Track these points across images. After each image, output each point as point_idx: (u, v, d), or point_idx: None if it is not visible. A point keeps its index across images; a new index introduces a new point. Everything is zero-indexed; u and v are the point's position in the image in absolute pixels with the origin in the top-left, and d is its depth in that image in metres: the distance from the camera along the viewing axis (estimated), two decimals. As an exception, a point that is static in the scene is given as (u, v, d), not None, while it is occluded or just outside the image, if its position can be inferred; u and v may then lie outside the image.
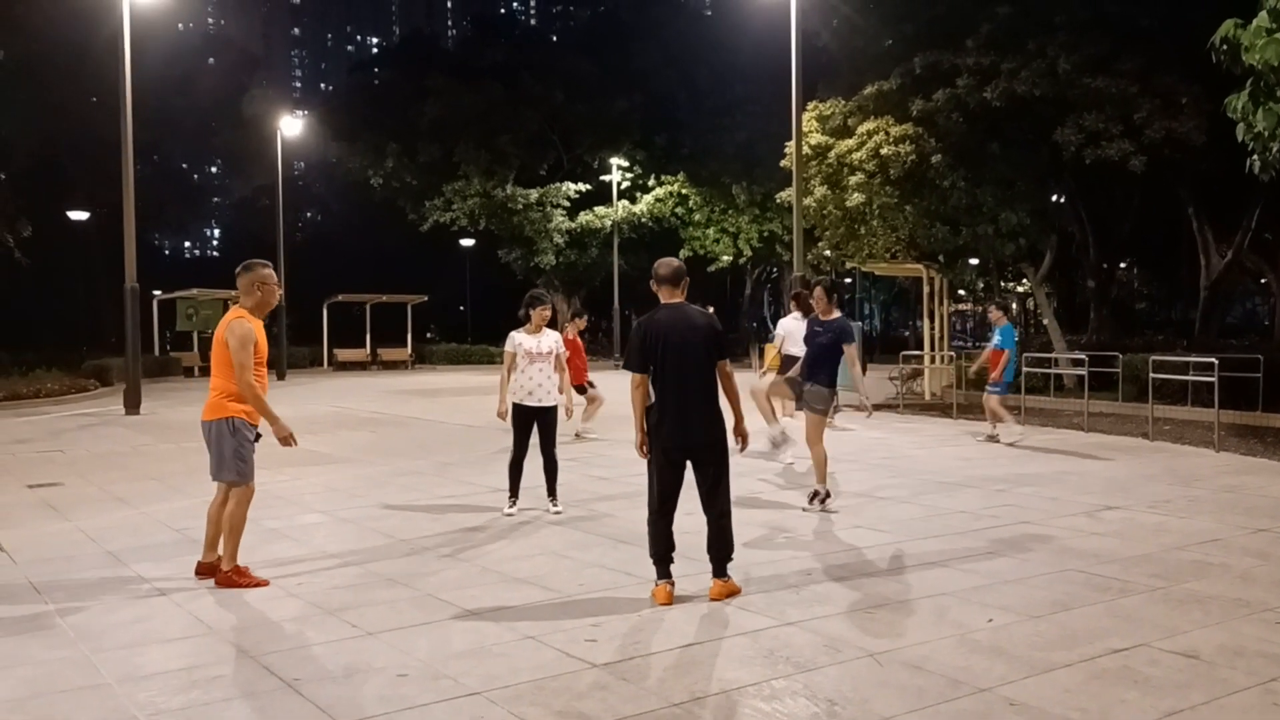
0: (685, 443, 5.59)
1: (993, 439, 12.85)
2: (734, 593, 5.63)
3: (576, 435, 13.38)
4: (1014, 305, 45.67)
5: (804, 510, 8.17)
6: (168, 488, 9.93)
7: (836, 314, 8.39)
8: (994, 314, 13.46)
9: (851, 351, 8.21)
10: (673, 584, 5.59)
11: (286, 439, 5.99)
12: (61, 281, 45.50)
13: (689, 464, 5.67)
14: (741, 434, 5.81)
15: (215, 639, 5.00)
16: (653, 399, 5.61)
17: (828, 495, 8.22)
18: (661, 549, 5.62)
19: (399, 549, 7.00)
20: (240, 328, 5.84)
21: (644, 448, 5.66)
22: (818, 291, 8.48)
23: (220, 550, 6.05)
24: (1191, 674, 4.38)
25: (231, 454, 5.90)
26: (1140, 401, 15.19)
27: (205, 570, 6.13)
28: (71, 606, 5.62)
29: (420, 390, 25.39)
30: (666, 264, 5.83)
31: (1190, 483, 9.57)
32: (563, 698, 4.17)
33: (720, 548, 5.67)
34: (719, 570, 5.68)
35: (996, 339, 12.85)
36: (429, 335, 40.62)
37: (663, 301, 5.76)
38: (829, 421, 15.68)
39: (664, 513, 5.62)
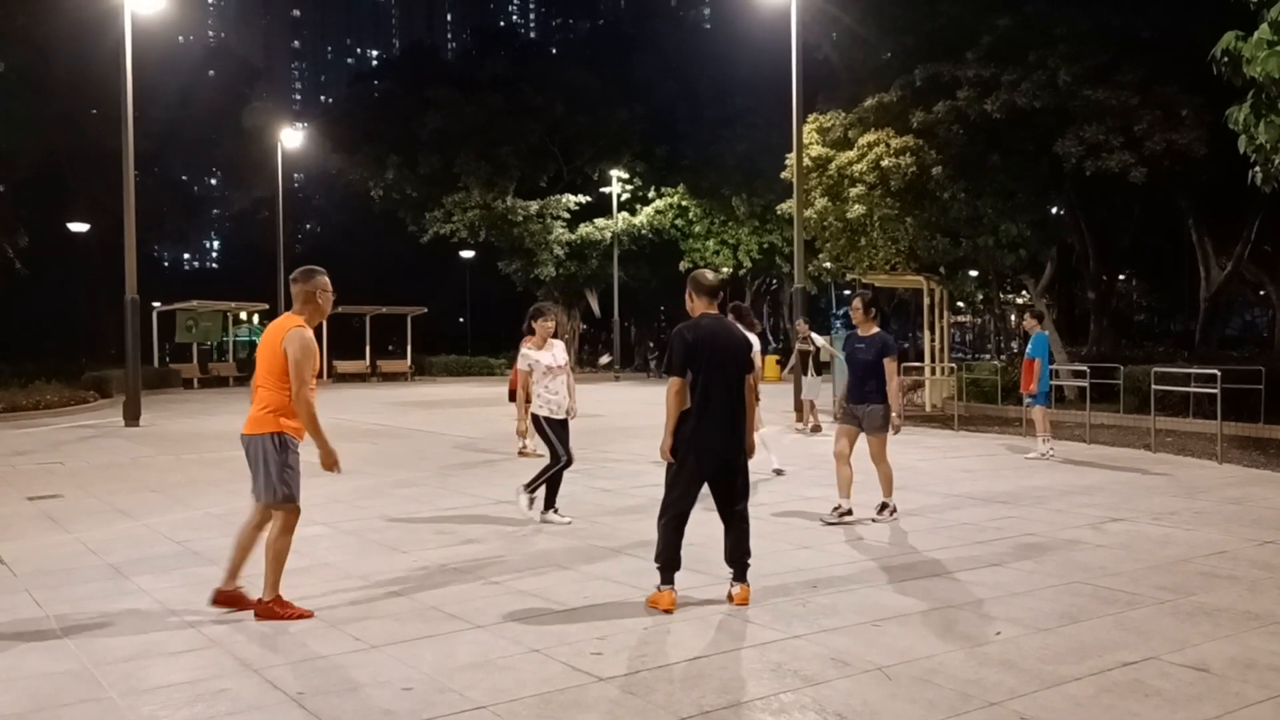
0: (719, 452, 5.63)
1: (1029, 456, 12.46)
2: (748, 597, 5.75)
3: (520, 452, 12.71)
4: (1012, 317, 45.67)
5: (873, 520, 8.18)
6: (168, 499, 9.89)
7: (876, 329, 8.25)
8: (1027, 322, 13.07)
9: (892, 366, 8.04)
10: (675, 591, 5.61)
11: (332, 465, 5.48)
12: (62, 293, 45.58)
13: (710, 474, 5.68)
14: (750, 445, 5.87)
15: (218, 652, 4.96)
16: (688, 404, 5.60)
17: (896, 508, 8.30)
18: (672, 554, 5.62)
19: (402, 561, 6.96)
20: (302, 337, 5.38)
21: (670, 452, 5.63)
22: (856, 303, 8.33)
23: (239, 577, 5.65)
24: (1203, 687, 4.35)
25: (278, 471, 5.42)
26: (1142, 413, 15.17)
27: (225, 599, 5.63)
28: (73, 619, 5.58)
29: (420, 402, 25.36)
30: (708, 276, 5.91)
31: (1194, 494, 9.54)
32: (570, 711, 4.14)
33: (742, 555, 5.74)
34: (743, 575, 5.74)
35: (1029, 348, 12.51)
36: (390, 349, 40.20)
37: (701, 311, 5.78)
38: (807, 429, 15.52)
39: (680, 520, 5.64)
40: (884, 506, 8.28)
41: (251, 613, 5.55)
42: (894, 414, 8.05)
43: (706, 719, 4.05)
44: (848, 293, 49.84)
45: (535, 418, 8.19)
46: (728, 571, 5.79)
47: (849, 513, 8.15)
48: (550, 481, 8.18)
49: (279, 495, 5.47)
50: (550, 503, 8.29)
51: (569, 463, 8.15)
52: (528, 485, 8.18)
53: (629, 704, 4.21)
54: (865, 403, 8.13)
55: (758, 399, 6.38)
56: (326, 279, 5.72)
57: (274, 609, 5.50)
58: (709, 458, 5.62)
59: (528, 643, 5.04)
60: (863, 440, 8.30)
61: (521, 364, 8.24)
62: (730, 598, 5.71)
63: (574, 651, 4.89)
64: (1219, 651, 4.82)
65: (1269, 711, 4.09)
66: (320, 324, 5.87)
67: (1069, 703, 4.17)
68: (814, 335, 16.18)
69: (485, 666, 4.70)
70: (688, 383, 5.58)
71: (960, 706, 4.14)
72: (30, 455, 13.88)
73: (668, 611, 5.48)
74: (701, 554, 6.39)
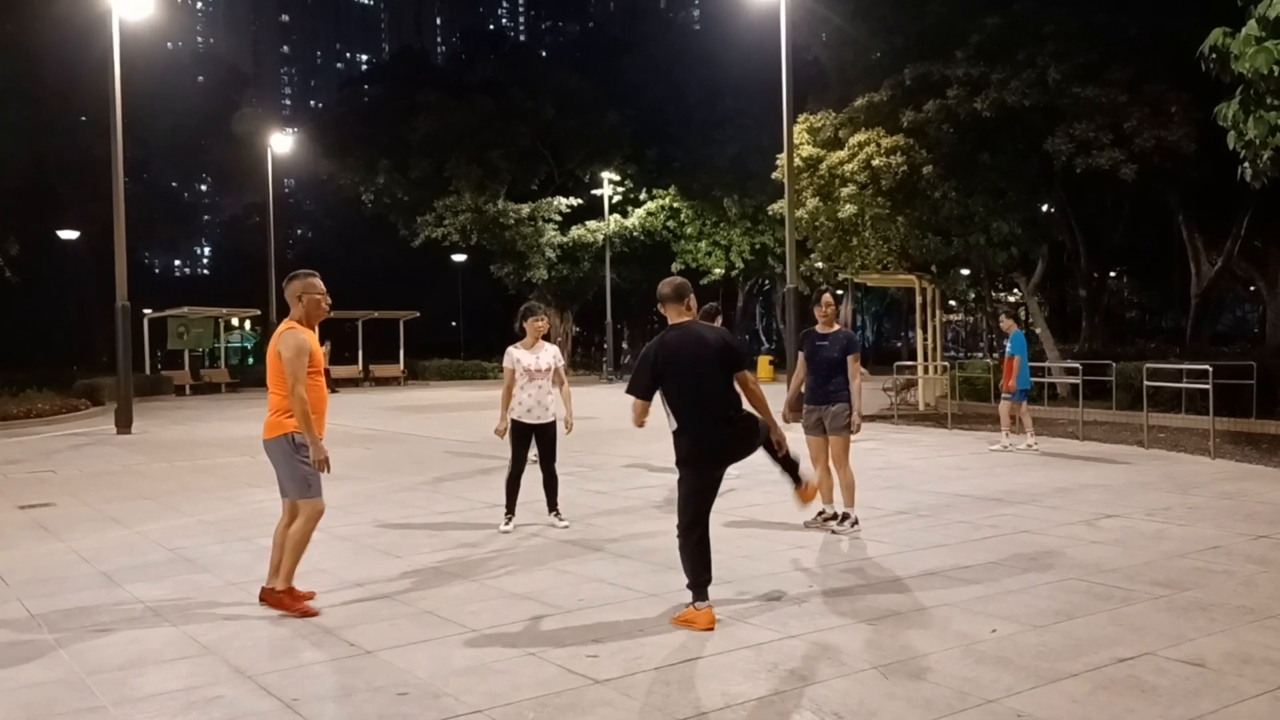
0: (723, 459, 5.45)
1: (1007, 449, 13.00)
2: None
3: None
4: (1004, 315, 45.72)
5: (834, 532, 7.74)
6: (161, 507, 9.85)
7: (837, 325, 7.98)
8: (1005, 323, 13.78)
9: (856, 364, 7.80)
10: (712, 608, 5.34)
11: (322, 463, 5.63)
12: (52, 300, 45.42)
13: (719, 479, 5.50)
14: (777, 439, 5.53)
15: (212, 659, 4.94)
16: (674, 424, 5.41)
17: (857, 519, 7.87)
18: (702, 568, 5.34)
19: (396, 566, 6.94)
20: (293, 338, 5.62)
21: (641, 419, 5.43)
22: (827, 298, 7.97)
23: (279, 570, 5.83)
24: (1199, 682, 4.35)
25: (297, 470, 5.66)
26: (1134, 410, 15.20)
27: (269, 597, 5.85)
28: (65, 628, 5.55)
29: (413, 406, 25.32)
30: (668, 283, 5.61)
31: (1188, 490, 9.56)
32: (566, 714, 4.12)
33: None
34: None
35: (1009, 347, 13.04)
36: (345, 354, 39.62)
37: (670, 322, 5.55)
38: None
39: (703, 528, 5.38)
40: (844, 517, 7.86)
41: (301, 611, 5.71)
42: (855, 413, 7.75)
43: (703, 720, 4.05)
44: (840, 292, 49.89)
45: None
46: (719, 575, 5.67)
47: (833, 517, 8.03)
48: (507, 489, 8.07)
49: (299, 493, 5.71)
50: (552, 505, 8.27)
51: (515, 472, 8.03)
52: (505, 510, 8.11)
53: (625, 706, 4.20)
54: (830, 402, 7.76)
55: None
56: (310, 280, 5.82)
57: (284, 599, 5.71)
58: (714, 468, 5.44)
59: (523, 646, 5.03)
60: None
61: (506, 362, 8.11)
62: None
63: (570, 654, 4.88)
64: (1214, 646, 4.83)
65: (1265, 705, 4.09)
66: (316, 325, 5.96)
67: (1065, 700, 4.17)
68: None
69: (481, 670, 4.68)
70: (648, 404, 5.41)
71: (957, 704, 4.14)
72: (22, 464, 13.82)
73: (708, 630, 5.20)
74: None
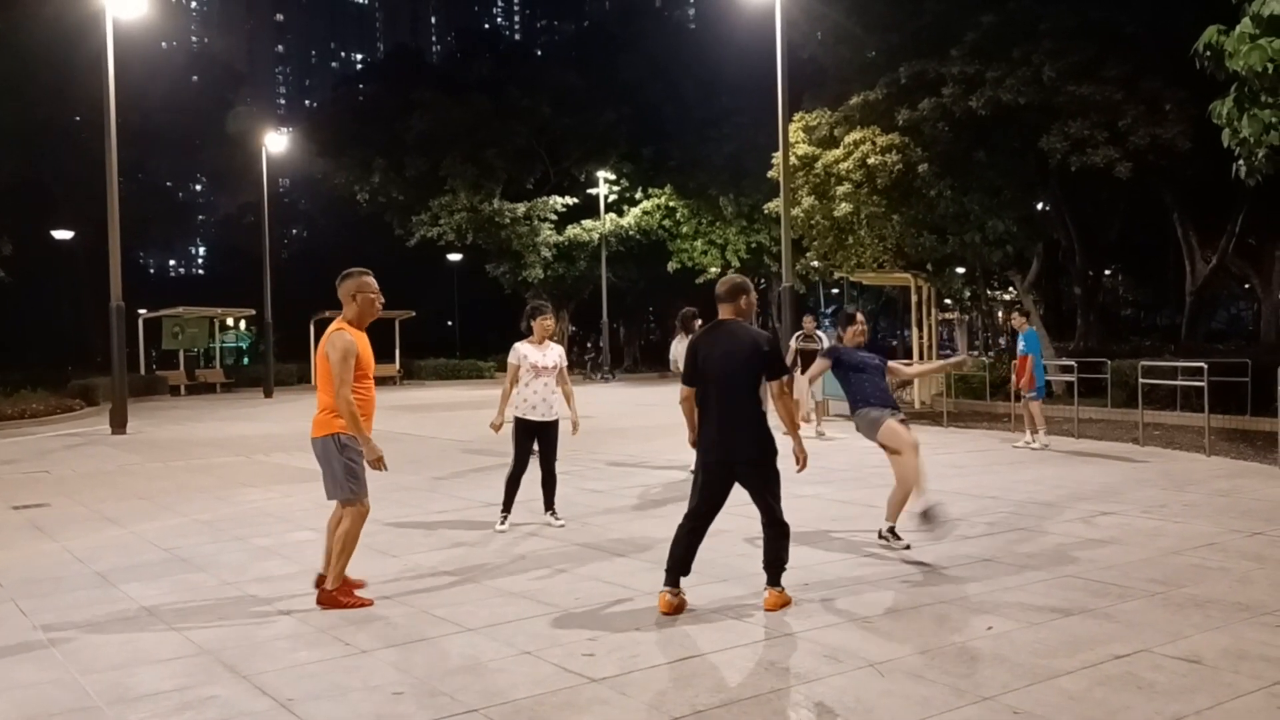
0: (724, 458, 5.55)
1: (1034, 447, 12.88)
2: (786, 603, 5.58)
3: None
4: (999, 313, 45.76)
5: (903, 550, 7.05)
6: (156, 506, 9.83)
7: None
8: (1016, 320, 13.75)
9: (897, 363, 8.25)
10: (676, 594, 5.51)
11: (377, 462, 5.66)
12: (46, 300, 45.37)
13: (735, 481, 5.62)
14: (796, 454, 5.72)
15: (207, 659, 4.93)
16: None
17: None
18: (677, 557, 5.56)
19: (392, 565, 6.93)
20: (341, 340, 5.66)
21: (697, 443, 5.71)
22: (861, 317, 7.72)
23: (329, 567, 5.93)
24: (1195, 679, 4.35)
25: (342, 472, 5.67)
26: (1129, 407, 15.22)
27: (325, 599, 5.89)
28: (60, 628, 5.54)
29: (409, 405, 25.28)
30: (724, 282, 5.83)
31: (1183, 487, 9.57)
32: (563, 713, 4.11)
33: (772, 559, 5.63)
34: (773, 580, 5.63)
35: (1022, 345, 13.05)
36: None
37: (721, 317, 5.75)
38: (813, 431, 15.39)
39: (696, 522, 5.59)
40: (927, 519, 7.00)
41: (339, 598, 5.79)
42: (962, 355, 7.82)
43: (700, 718, 4.04)
44: (835, 290, 49.95)
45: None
46: (717, 573, 5.74)
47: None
48: (507, 487, 8.06)
49: (344, 494, 5.72)
50: (549, 504, 8.26)
51: (517, 470, 8.02)
52: (501, 509, 8.12)
53: (622, 704, 4.19)
54: (891, 405, 7.62)
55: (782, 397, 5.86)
56: (363, 279, 5.90)
57: (338, 597, 5.75)
58: (713, 465, 5.57)
59: (519, 645, 5.02)
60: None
61: (511, 358, 8.07)
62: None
63: (566, 653, 4.87)
64: (1211, 643, 4.83)
65: (1261, 701, 4.09)
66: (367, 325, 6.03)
67: (1062, 696, 4.17)
68: (821, 334, 15.48)
69: (477, 669, 4.67)
70: (694, 391, 5.65)
71: (953, 701, 4.13)
72: (16, 464, 13.78)
73: (665, 614, 5.42)
74: (702, 556, 6.36)
